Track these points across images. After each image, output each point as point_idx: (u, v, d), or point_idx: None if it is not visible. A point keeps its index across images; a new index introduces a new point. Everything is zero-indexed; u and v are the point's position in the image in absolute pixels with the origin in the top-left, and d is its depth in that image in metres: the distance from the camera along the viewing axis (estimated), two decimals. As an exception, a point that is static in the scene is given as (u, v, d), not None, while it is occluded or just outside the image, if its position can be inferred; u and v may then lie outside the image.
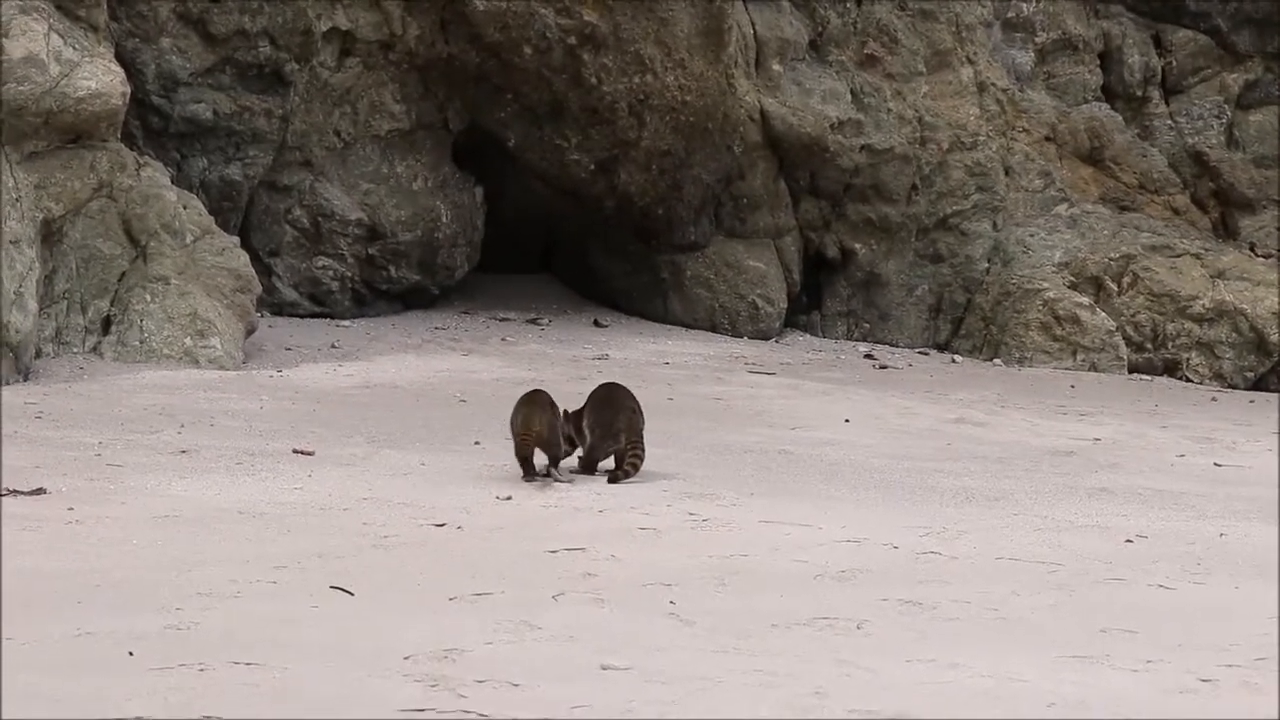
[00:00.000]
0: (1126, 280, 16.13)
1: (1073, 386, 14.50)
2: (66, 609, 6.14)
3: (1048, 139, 16.81)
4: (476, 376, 12.64)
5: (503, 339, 14.58)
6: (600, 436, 8.98)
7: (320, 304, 14.90)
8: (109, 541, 7.26)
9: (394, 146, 15.12)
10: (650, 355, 14.39)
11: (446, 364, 13.10)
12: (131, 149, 13.17)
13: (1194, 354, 15.88)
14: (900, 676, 5.70)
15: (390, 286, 15.18)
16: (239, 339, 12.62)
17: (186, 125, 14.33)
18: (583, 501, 8.48)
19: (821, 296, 16.38)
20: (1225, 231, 17.01)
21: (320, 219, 14.88)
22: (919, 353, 15.90)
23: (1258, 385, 15.74)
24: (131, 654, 5.59)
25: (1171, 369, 15.86)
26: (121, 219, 12.61)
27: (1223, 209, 17.09)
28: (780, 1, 16.05)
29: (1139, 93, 17.15)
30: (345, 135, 14.92)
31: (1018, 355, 15.69)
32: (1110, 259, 16.19)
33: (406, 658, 5.66)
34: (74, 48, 12.36)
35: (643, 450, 9.02)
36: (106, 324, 12.39)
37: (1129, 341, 15.83)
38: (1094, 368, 15.58)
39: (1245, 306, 15.92)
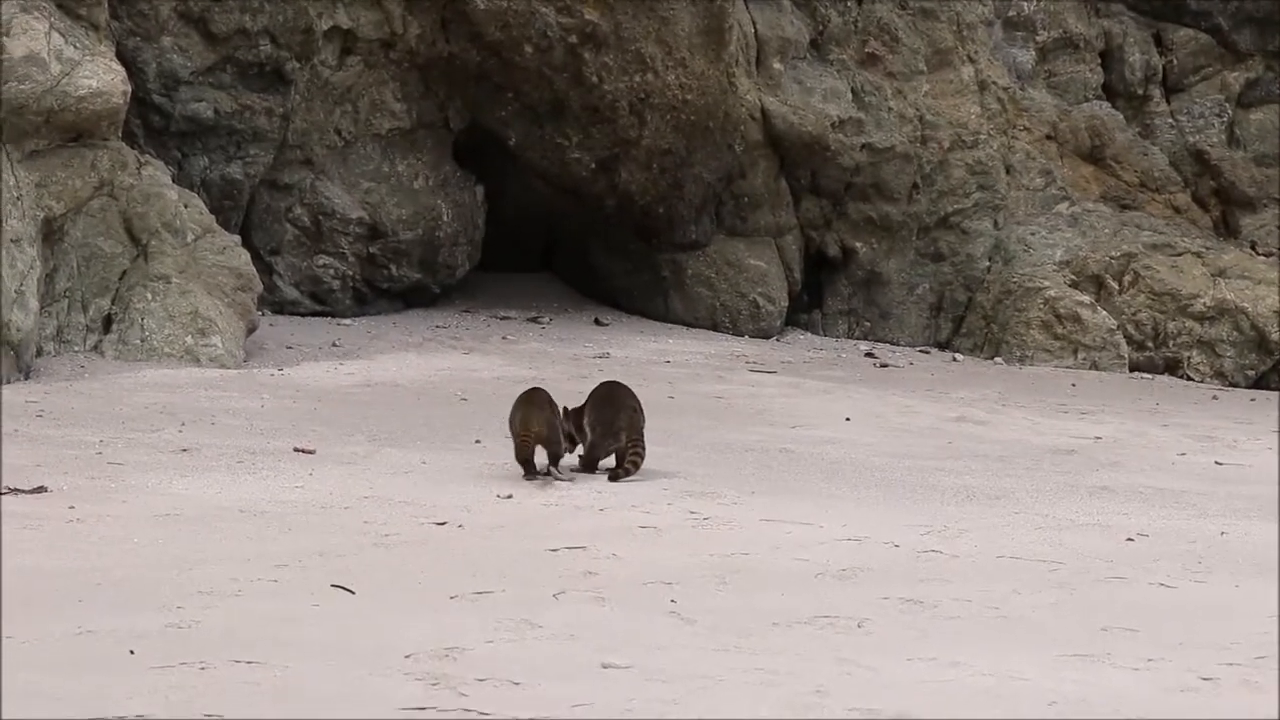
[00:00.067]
0: (1127, 279, 16.12)
1: (1074, 385, 14.50)
2: (67, 607, 6.14)
3: (1049, 137, 16.80)
4: (477, 375, 12.64)
5: (504, 337, 14.57)
6: (601, 435, 8.98)
7: (321, 302, 14.90)
8: (110, 540, 7.26)
9: (395, 145, 15.12)
10: (651, 354, 14.38)
11: (447, 362, 13.10)
12: (132, 148, 13.17)
13: (1195, 352, 15.87)
14: (901, 675, 5.69)
15: (391, 285, 15.18)
16: (240, 337, 12.62)
17: (187, 124, 14.32)
18: (583, 500, 8.47)
19: (822, 295, 16.38)
20: (1226, 230, 17.00)
21: (321, 217, 14.88)
22: (920, 351, 15.90)
23: (1259, 384, 15.73)
24: (132, 652, 5.59)
25: (1172, 367, 15.86)
26: (122, 218, 12.61)
27: (1224, 207, 17.08)
28: (781, 0, 16.04)
29: (1140, 91, 17.14)
30: (346, 134, 14.92)
31: (1019, 354, 15.68)
32: (1111, 257, 16.19)
33: (407, 656, 5.66)
34: (75, 46, 12.35)
35: (643, 449, 9.02)
36: (107, 322, 12.38)
37: (1130, 340, 15.83)
38: (1095, 366, 15.57)
39: (1246, 305, 15.91)
